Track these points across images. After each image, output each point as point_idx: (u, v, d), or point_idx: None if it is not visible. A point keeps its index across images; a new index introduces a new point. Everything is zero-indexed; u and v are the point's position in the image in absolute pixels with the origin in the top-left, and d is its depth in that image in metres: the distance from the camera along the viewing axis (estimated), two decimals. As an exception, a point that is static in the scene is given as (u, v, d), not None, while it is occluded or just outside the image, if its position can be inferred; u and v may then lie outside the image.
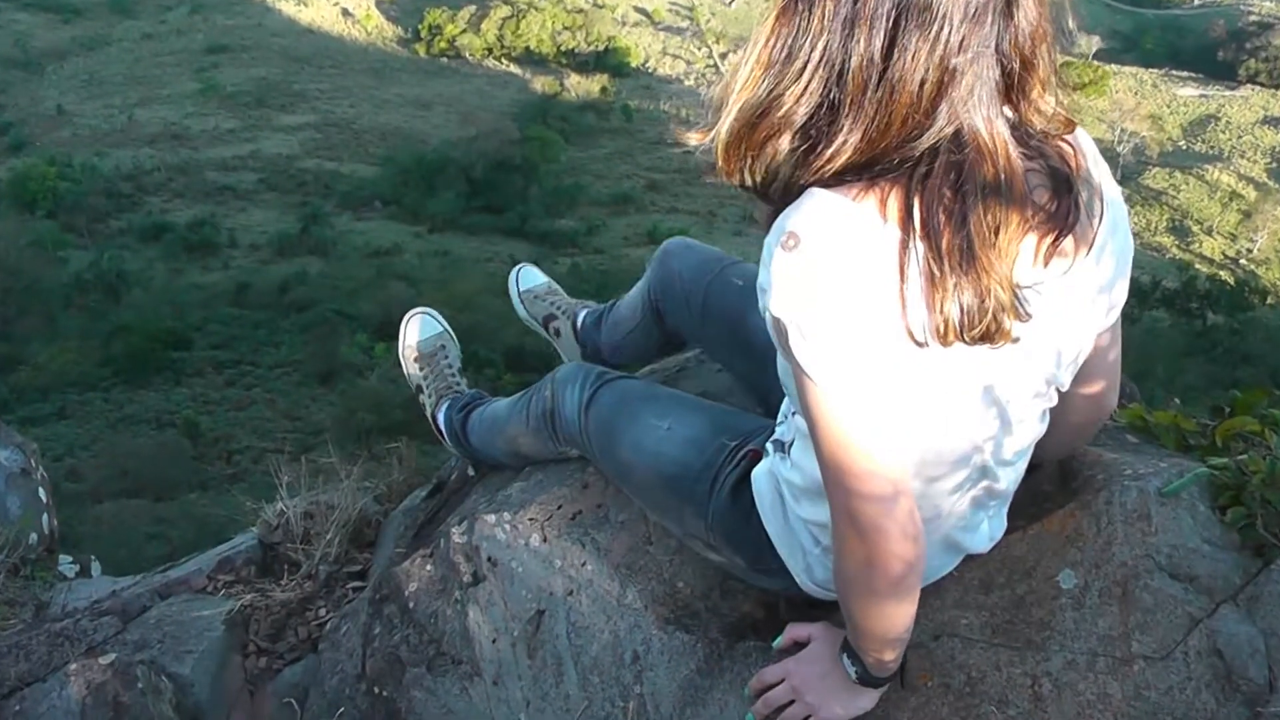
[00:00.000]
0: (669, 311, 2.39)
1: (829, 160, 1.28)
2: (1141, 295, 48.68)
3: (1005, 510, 1.75)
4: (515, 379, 35.97)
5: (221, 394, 47.20)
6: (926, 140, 1.25)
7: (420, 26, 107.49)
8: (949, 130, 1.25)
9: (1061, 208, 1.33)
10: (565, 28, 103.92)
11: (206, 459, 41.26)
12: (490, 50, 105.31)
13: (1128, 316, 1.63)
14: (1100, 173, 1.44)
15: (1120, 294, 1.53)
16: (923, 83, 1.23)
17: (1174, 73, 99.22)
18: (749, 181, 1.36)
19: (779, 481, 1.71)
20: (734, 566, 1.91)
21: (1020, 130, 1.32)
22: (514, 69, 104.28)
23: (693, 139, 1.37)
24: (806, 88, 1.27)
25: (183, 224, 66.43)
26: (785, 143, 1.30)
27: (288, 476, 3.17)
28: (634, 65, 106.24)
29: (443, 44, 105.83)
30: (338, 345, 46.56)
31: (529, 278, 2.92)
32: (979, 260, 1.25)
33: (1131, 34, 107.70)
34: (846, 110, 1.26)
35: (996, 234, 1.25)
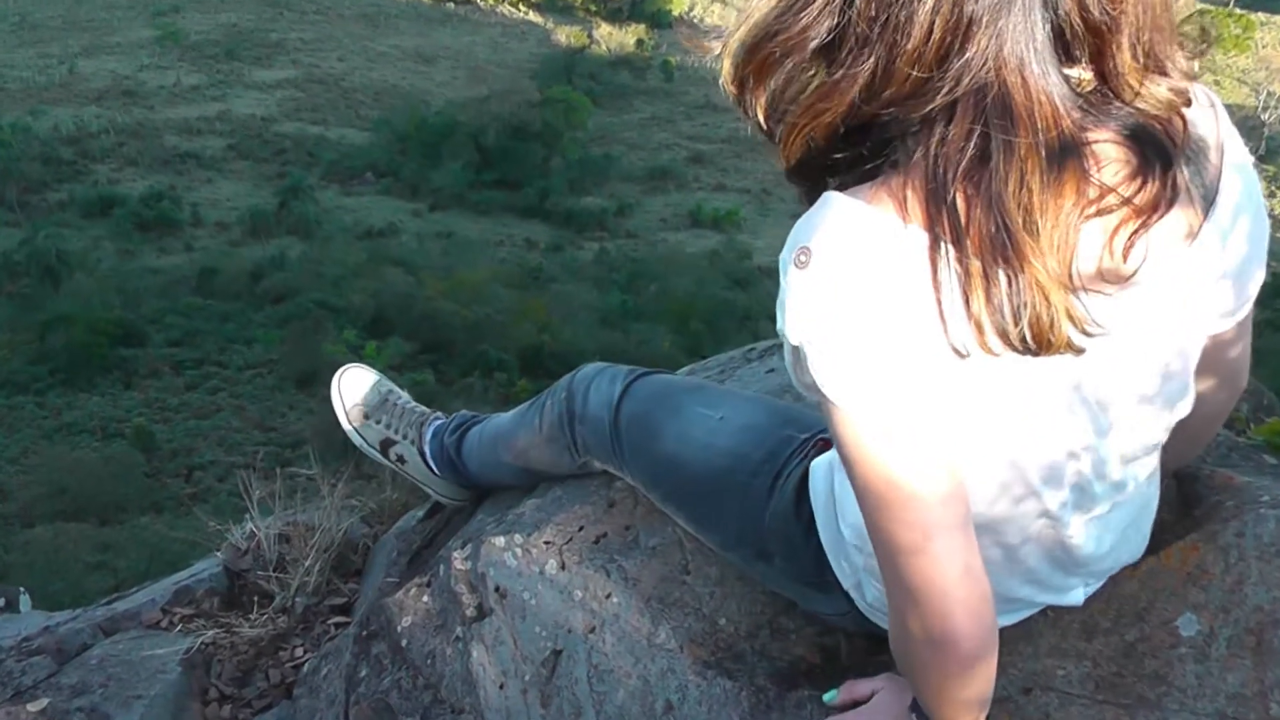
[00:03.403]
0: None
1: (823, 98, 1.31)
2: (1288, 296, 48.06)
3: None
4: (532, 385, 36.06)
5: (181, 399, 47.58)
6: (940, 97, 1.27)
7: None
8: (966, 86, 1.26)
9: (1150, 189, 1.31)
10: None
11: (162, 475, 41.61)
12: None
13: (1270, 322, 1.62)
14: (1225, 138, 1.44)
15: (1255, 285, 1.52)
16: (931, 26, 1.25)
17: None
18: (754, 113, 1.39)
19: (835, 480, 1.73)
20: (787, 581, 1.92)
21: (1096, 95, 1.33)
22: (534, 17, 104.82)
23: (712, 48, 1.41)
24: (819, 14, 1.30)
25: (135, 197, 67.04)
26: (787, 73, 1.34)
27: (259, 492, 3.19)
28: (676, 14, 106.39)
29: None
30: (321, 342, 46.79)
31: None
32: (1015, 248, 1.24)
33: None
34: (849, 46, 1.29)
35: (1034, 214, 1.25)
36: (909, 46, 1.25)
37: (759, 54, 1.34)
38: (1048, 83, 1.26)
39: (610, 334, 48.82)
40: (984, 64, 1.25)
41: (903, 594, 1.40)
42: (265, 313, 52.94)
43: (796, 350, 1.33)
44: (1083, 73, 1.30)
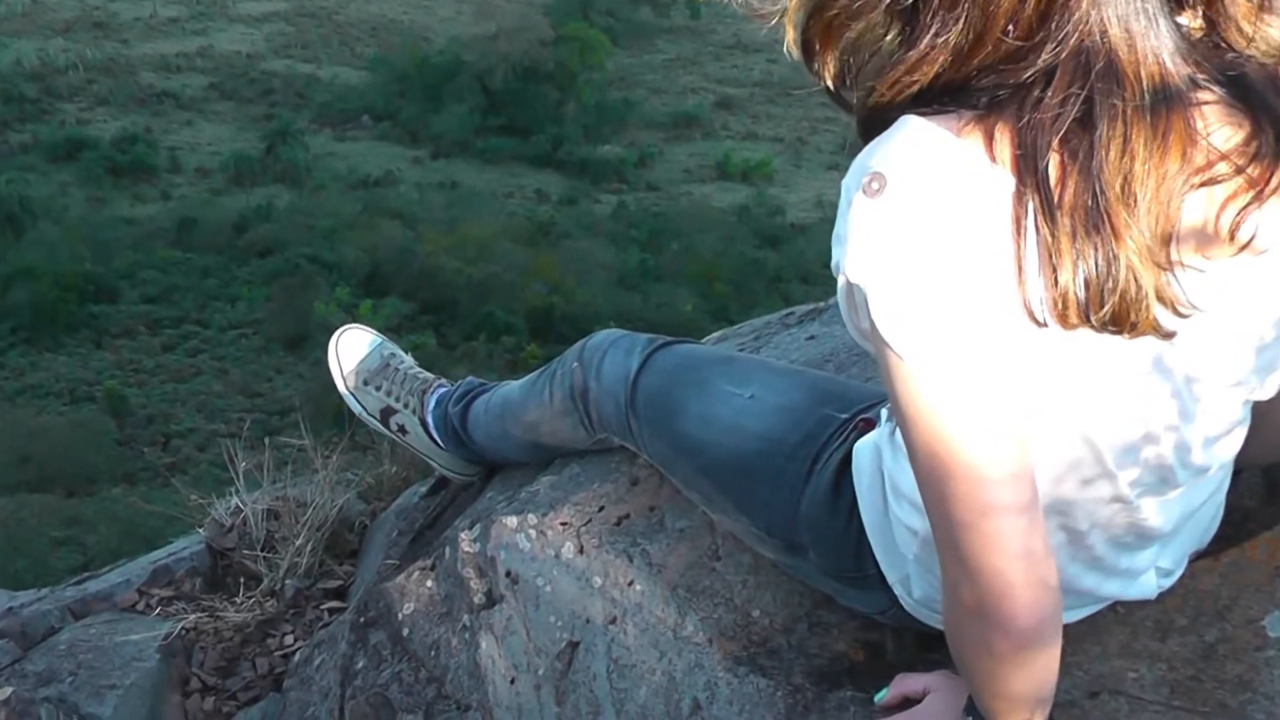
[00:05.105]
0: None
1: (910, 71, 1.28)
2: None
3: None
4: (542, 350, 36.13)
5: (157, 361, 47.74)
6: (1040, 61, 1.24)
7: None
8: (1067, 46, 1.24)
9: (1264, 159, 1.29)
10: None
11: (136, 443, 41.83)
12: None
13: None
14: None
15: None
16: None
17: None
18: (822, 78, 1.37)
19: (882, 458, 1.72)
20: (821, 575, 1.92)
21: (1205, 44, 1.30)
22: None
23: (769, 15, 1.39)
24: None
25: (107, 139, 67.10)
26: (859, 35, 1.32)
27: (245, 464, 3.19)
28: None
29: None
30: (311, 301, 46.90)
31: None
32: (1109, 219, 1.22)
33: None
34: (933, 7, 1.26)
35: (1133, 183, 1.23)
36: (1005, 6, 1.22)
37: (824, 14, 1.31)
38: (1156, 37, 1.24)
39: (628, 296, 48.80)
40: (1087, 22, 1.22)
41: (956, 567, 1.38)
42: (250, 268, 52.99)
43: (855, 291, 1.31)
44: (1192, 20, 1.28)
